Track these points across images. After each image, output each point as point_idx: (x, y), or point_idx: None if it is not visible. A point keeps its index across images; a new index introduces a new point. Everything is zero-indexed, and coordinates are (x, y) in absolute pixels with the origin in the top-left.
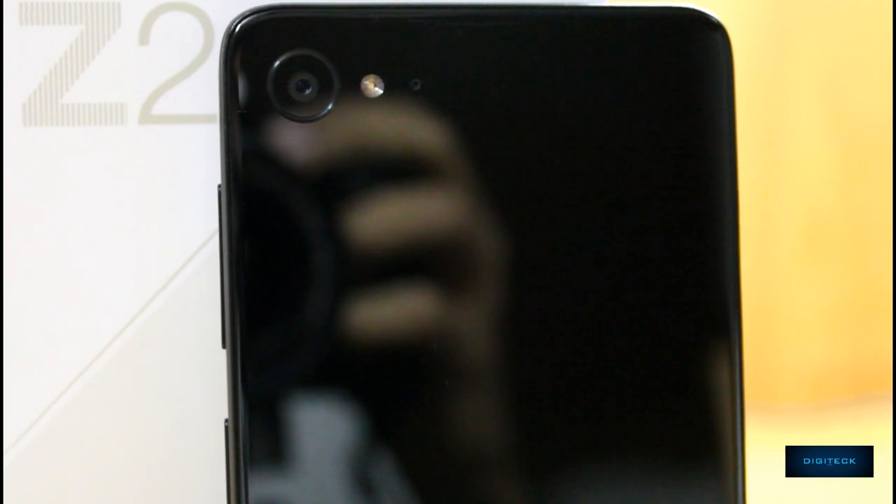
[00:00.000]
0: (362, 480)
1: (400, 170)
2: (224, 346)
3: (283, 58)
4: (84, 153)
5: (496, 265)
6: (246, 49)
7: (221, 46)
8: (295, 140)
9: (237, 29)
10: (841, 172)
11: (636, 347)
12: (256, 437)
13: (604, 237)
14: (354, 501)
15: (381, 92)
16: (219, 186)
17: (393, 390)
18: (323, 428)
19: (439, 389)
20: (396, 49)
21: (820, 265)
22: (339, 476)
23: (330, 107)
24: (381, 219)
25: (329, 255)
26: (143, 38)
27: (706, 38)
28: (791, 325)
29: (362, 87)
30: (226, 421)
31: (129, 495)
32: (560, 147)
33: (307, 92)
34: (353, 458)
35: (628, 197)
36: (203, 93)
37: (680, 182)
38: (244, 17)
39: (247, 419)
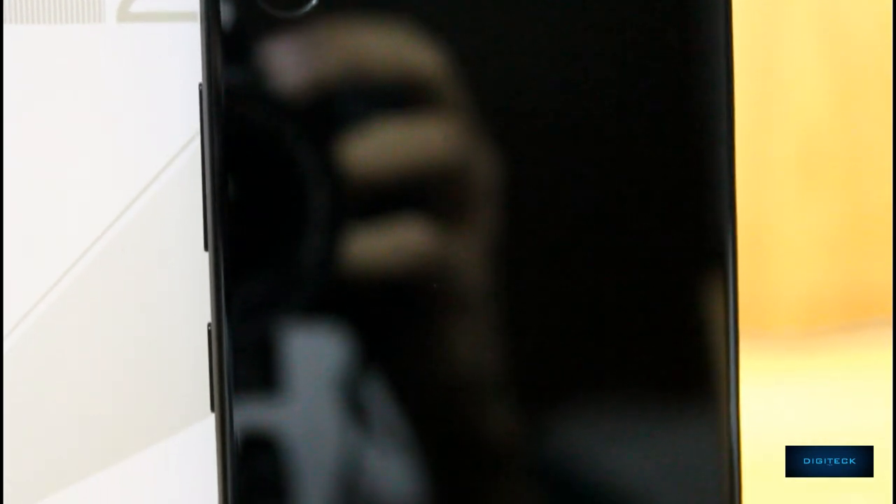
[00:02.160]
0: (353, 406)
1: (391, 81)
2: (206, 248)
3: None
4: (60, 53)
5: (491, 193)
6: None
7: None
8: (280, 36)
9: None
10: (837, 100)
11: (632, 275)
12: (240, 342)
13: (599, 166)
14: (345, 427)
15: None
16: (200, 85)
17: (386, 317)
18: (313, 353)
19: (432, 315)
20: None
21: (815, 192)
22: (330, 402)
23: (314, 1)
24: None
25: (316, 157)
26: None
27: None
28: (785, 251)
29: None
30: (208, 325)
31: (111, 400)
32: (555, 72)
33: None
34: (343, 384)
35: (624, 125)
36: None
37: (676, 110)
38: None
39: (230, 328)
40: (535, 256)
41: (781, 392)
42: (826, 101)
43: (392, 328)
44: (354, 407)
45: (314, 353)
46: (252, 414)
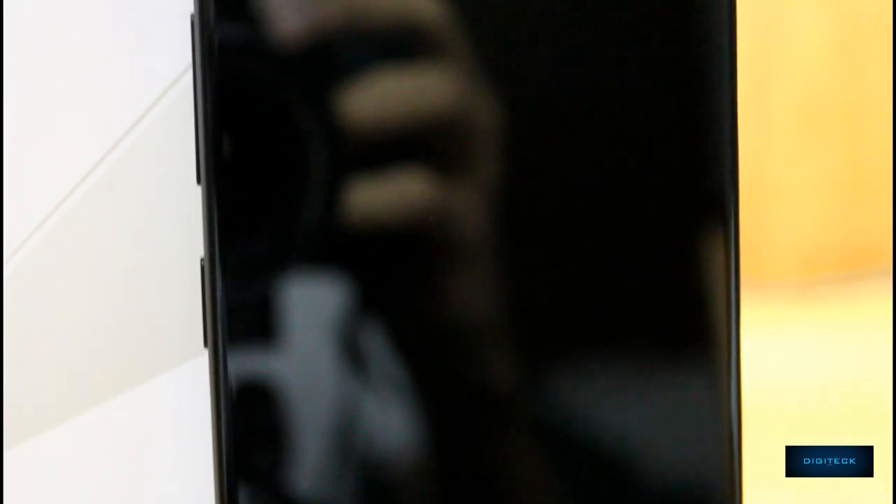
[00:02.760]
0: (351, 354)
1: (391, 29)
2: (199, 181)
3: None
4: None
5: (492, 142)
6: None
7: None
8: None
9: None
10: (837, 52)
11: (634, 225)
12: (233, 280)
13: (601, 117)
14: (343, 375)
15: None
16: (191, 16)
17: (385, 265)
18: (310, 300)
19: (433, 264)
20: None
21: (815, 142)
22: (328, 350)
23: None
24: (372, 84)
25: (315, 104)
26: None
27: None
28: (784, 201)
29: None
30: (201, 260)
31: (104, 336)
32: (556, 18)
33: None
34: (342, 331)
35: (625, 76)
36: None
37: (677, 61)
38: None
39: (223, 266)
40: (536, 206)
41: (781, 342)
42: (826, 53)
43: (392, 276)
44: (353, 355)
45: (312, 300)
46: (247, 358)
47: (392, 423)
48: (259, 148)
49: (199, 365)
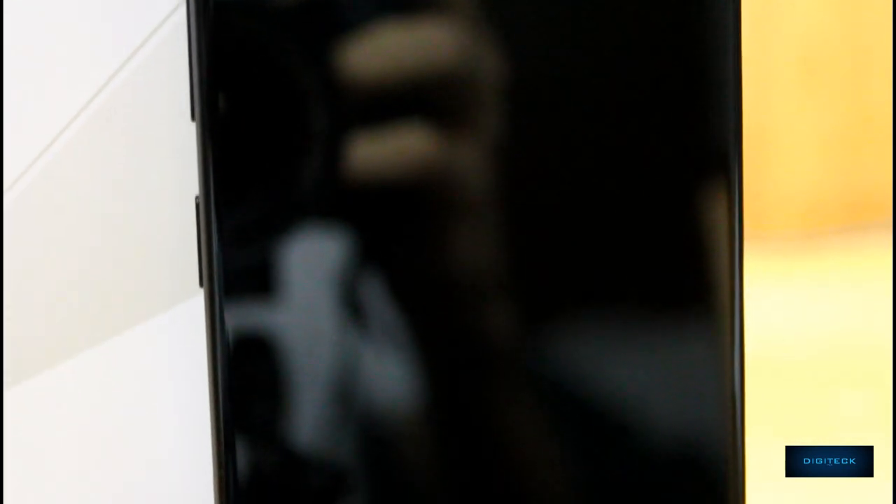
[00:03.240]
0: (351, 308)
1: None
2: (193, 118)
3: None
4: None
5: (494, 96)
6: None
7: None
8: None
9: None
10: (839, 3)
11: (637, 179)
12: (229, 221)
13: (604, 69)
14: (342, 329)
15: None
16: None
17: (387, 219)
18: (309, 252)
19: (434, 218)
20: None
21: (816, 93)
22: (327, 302)
23: None
24: (373, 37)
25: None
26: None
27: None
28: (785, 152)
29: None
30: (196, 198)
31: (98, 278)
32: None
33: None
34: (341, 284)
35: (629, 28)
36: None
37: (681, 13)
38: None
39: (217, 205)
40: (538, 161)
41: (782, 294)
42: (828, 6)
43: (393, 230)
44: (353, 308)
45: (311, 251)
46: (244, 305)
47: (391, 376)
48: (257, 97)
49: (195, 305)
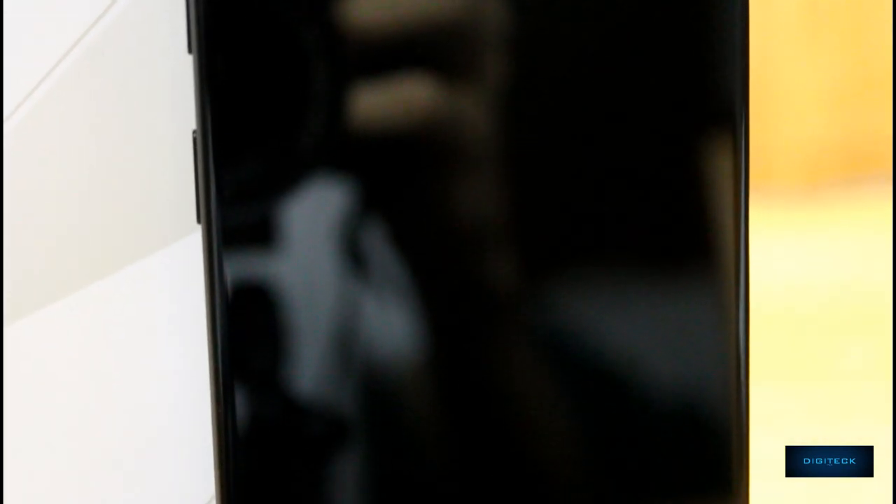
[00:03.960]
0: (353, 258)
1: None
2: (190, 51)
3: None
4: None
5: (497, 47)
6: None
7: None
8: None
9: None
10: None
11: (642, 130)
12: (225, 154)
13: (609, 21)
14: (344, 279)
15: None
16: None
17: (389, 169)
18: (310, 202)
19: (437, 168)
20: None
21: (818, 43)
22: (329, 253)
23: None
24: None
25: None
26: None
27: None
28: (787, 103)
29: None
30: (193, 132)
31: (94, 213)
32: None
33: None
34: (343, 235)
35: None
36: None
37: None
38: None
39: (215, 138)
40: (541, 111)
41: (784, 245)
42: None
43: (395, 180)
44: (354, 258)
45: (311, 201)
46: (242, 249)
47: (392, 326)
48: (256, 36)
49: (194, 241)
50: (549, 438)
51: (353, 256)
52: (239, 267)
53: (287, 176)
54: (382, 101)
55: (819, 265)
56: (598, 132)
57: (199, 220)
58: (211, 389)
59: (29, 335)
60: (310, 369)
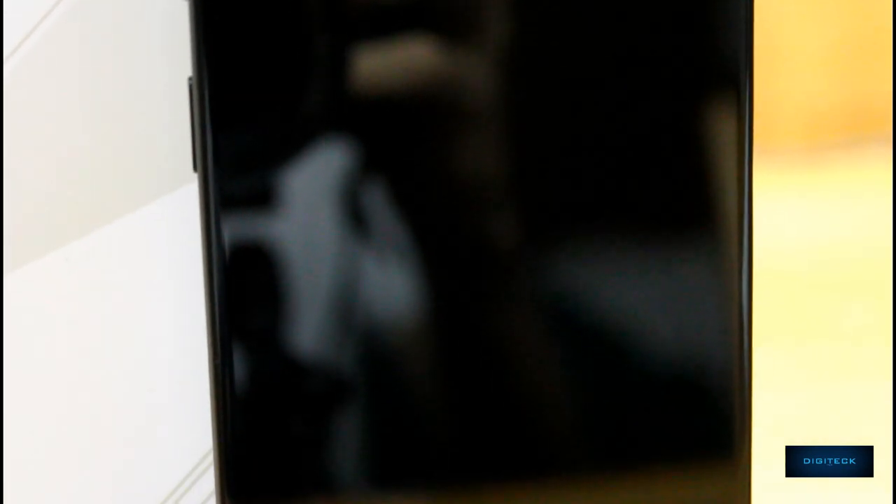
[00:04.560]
0: (353, 217)
1: None
2: None
3: None
4: None
5: (500, 6)
6: None
7: None
8: None
9: None
10: None
11: (644, 93)
12: (222, 102)
13: None
14: (344, 238)
15: None
16: None
17: (391, 129)
18: (311, 161)
19: (438, 128)
20: None
21: (819, 3)
22: (329, 211)
23: None
24: None
25: None
26: None
27: None
28: (787, 63)
29: None
30: (189, 79)
31: (89, 164)
32: None
33: None
34: (344, 194)
35: None
36: None
37: None
38: None
39: (211, 84)
40: (543, 71)
41: (784, 205)
42: None
43: (397, 140)
44: (355, 218)
45: (312, 160)
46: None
47: (393, 286)
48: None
49: (193, 190)
50: (551, 399)
51: (354, 215)
52: (236, 223)
53: (286, 134)
54: (384, 60)
55: (820, 225)
56: (601, 93)
57: (195, 169)
58: (209, 349)
59: (25, 285)
60: (309, 328)
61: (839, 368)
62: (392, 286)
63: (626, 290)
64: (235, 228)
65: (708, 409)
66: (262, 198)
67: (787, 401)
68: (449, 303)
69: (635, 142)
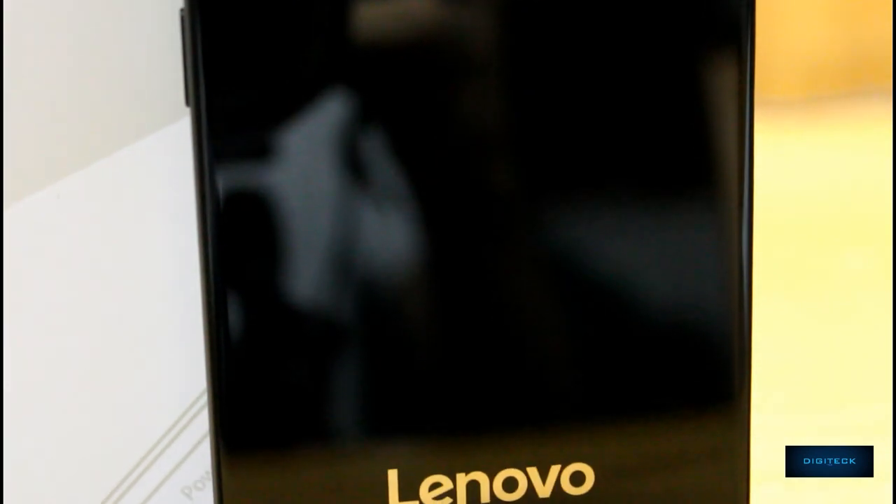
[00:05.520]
0: (351, 165)
1: None
2: None
3: None
4: None
5: None
6: None
7: None
8: None
9: None
10: None
11: (645, 44)
12: (215, 33)
13: None
14: (342, 187)
15: None
16: None
17: (389, 78)
18: (310, 109)
19: (438, 76)
20: None
21: None
22: (327, 160)
23: None
24: None
25: None
26: None
27: None
28: (787, 15)
29: None
30: (181, 11)
31: (78, 98)
32: None
33: None
34: (342, 142)
35: None
36: None
37: None
38: None
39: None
40: (544, 22)
41: (783, 155)
42: None
43: (396, 90)
44: (353, 166)
45: (310, 107)
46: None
47: (390, 235)
48: None
49: (182, 127)
50: (550, 348)
51: (352, 163)
52: (230, 166)
53: (281, 79)
54: (384, 8)
55: (819, 175)
56: (601, 43)
57: (187, 103)
58: (202, 297)
59: (17, 222)
60: (306, 276)
61: (838, 315)
62: (390, 235)
63: (626, 238)
64: (229, 171)
65: (708, 356)
66: (257, 141)
67: (786, 349)
68: (447, 252)
69: (636, 91)
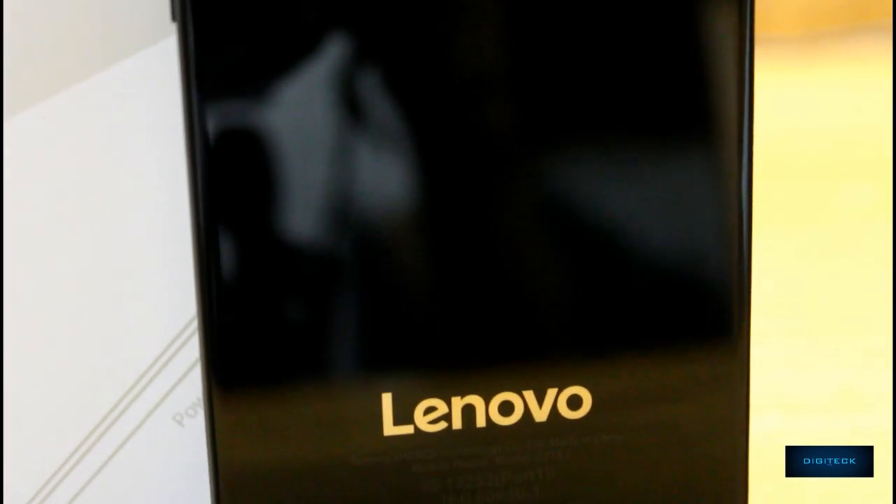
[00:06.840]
0: (347, 105)
1: None
2: None
3: None
4: None
5: None
6: None
7: None
8: None
9: None
10: None
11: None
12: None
13: None
14: (338, 126)
15: None
16: None
17: (385, 15)
18: (303, 47)
19: (437, 17)
20: None
21: None
22: (322, 100)
23: None
24: None
25: None
26: None
27: None
28: None
29: None
30: None
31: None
32: None
33: None
34: (338, 81)
35: None
36: None
37: None
38: None
39: None
40: None
41: (782, 93)
42: None
43: (391, 28)
44: (349, 105)
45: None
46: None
47: (386, 175)
48: None
49: (168, 45)
50: (547, 286)
51: (349, 103)
52: (219, 88)
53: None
54: None
55: (819, 112)
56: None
57: (173, 19)
58: (192, 237)
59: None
60: (300, 213)
61: (837, 251)
62: (383, 167)
63: (625, 179)
64: (218, 94)
65: (708, 289)
66: (249, 61)
67: (785, 285)
68: (444, 186)
69: (635, 28)
